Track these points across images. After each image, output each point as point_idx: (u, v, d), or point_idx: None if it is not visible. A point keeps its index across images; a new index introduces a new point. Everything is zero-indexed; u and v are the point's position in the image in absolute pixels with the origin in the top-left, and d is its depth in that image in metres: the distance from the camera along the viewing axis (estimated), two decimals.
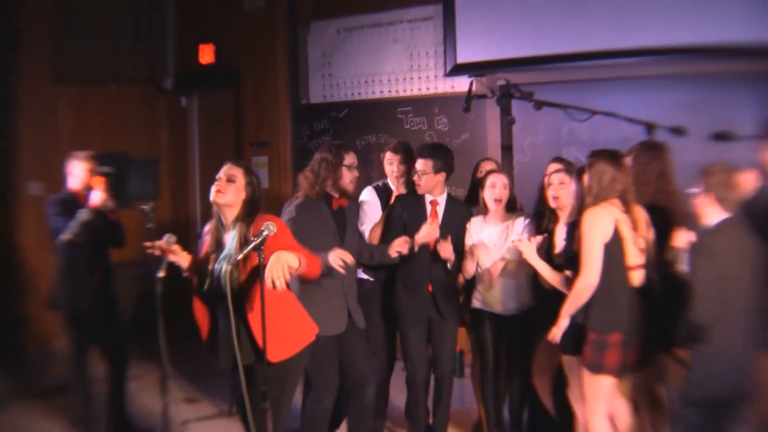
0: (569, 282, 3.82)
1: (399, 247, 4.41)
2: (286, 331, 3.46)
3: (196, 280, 3.55)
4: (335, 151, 4.31)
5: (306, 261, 3.41)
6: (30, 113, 7.39)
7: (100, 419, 5.09)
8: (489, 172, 4.71)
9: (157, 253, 3.51)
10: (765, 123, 4.09)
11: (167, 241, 3.53)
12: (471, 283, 4.66)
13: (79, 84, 7.71)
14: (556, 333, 3.82)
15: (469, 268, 4.57)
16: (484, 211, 4.66)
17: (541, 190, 4.49)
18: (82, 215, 4.74)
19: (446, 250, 4.46)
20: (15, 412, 5.66)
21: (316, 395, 4.23)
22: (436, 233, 4.46)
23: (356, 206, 4.69)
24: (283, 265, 3.21)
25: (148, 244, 3.51)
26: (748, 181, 3.95)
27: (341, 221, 4.33)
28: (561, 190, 4.29)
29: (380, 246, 4.56)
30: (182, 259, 3.58)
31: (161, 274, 3.52)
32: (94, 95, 7.80)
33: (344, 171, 4.30)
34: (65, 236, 4.71)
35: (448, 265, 4.56)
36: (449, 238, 4.47)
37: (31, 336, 7.16)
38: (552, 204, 4.36)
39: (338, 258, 3.94)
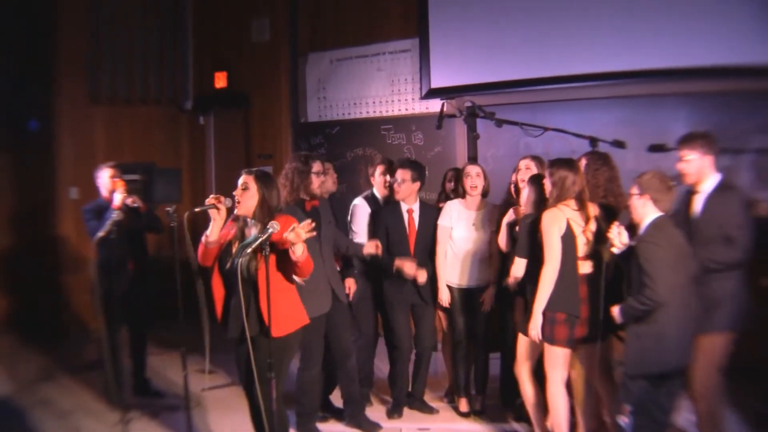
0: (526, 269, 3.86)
1: (371, 249, 4.47)
2: (287, 312, 3.49)
3: (216, 263, 3.51)
4: (304, 160, 4.26)
5: (306, 255, 3.38)
6: (69, 130, 7.41)
7: (126, 388, 5.08)
8: (466, 164, 4.73)
9: (210, 201, 3.43)
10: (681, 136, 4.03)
11: (225, 199, 3.45)
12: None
13: (112, 105, 7.74)
14: (535, 332, 3.72)
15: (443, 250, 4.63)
16: (462, 196, 4.67)
17: (508, 192, 4.49)
18: (114, 216, 4.71)
19: (420, 276, 4.56)
20: (57, 383, 5.65)
21: (307, 366, 4.27)
22: (412, 271, 4.53)
23: (327, 204, 4.53)
24: (296, 232, 3.22)
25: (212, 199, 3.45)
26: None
27: (316, 220, 4.28)
28: (527, 174, 4.24)
29: (357, 243, 4.61)
30: (219, 220, 3.46)
31: (197, 210, 3.47)
32: (125, 114, 7.81)
33: (313, 177, 4.26)
34: (100, 234, 4.68)
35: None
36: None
37: (72, 318, 7.14)
38: (521, 186, 4.28)
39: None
